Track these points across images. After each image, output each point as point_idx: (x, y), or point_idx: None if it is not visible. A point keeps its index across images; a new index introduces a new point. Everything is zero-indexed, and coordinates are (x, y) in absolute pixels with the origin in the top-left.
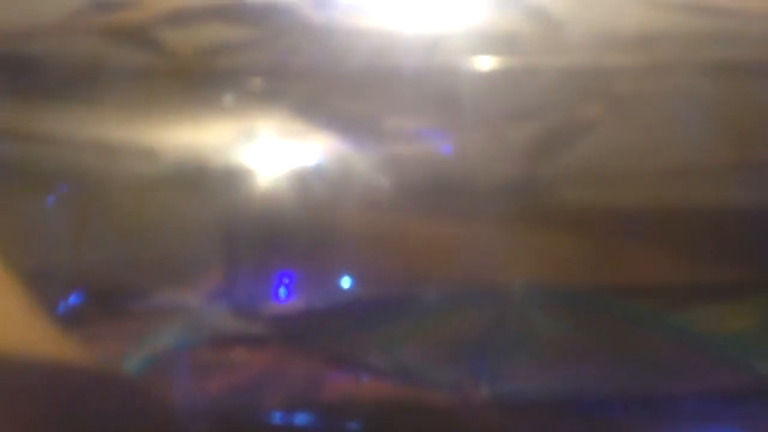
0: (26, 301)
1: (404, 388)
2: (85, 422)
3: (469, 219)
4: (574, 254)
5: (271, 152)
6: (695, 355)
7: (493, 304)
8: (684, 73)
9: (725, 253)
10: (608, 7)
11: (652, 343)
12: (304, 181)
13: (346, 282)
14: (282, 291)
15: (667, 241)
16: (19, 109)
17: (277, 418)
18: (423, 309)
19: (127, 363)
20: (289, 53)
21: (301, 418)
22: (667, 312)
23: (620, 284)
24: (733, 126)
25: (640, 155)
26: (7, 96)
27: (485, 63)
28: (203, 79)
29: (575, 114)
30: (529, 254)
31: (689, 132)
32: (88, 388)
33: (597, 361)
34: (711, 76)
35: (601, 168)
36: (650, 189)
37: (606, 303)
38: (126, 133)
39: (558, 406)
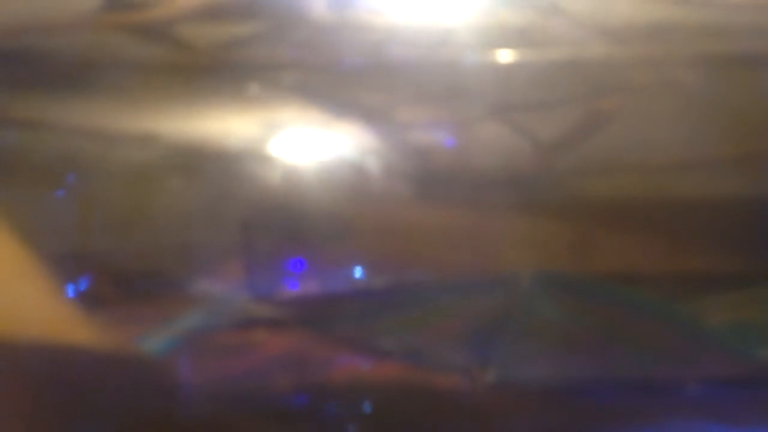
0: (49, 286)
1: (415, 372)
2: (105, 404)
3: (480, 208)
4: (581, 243)
5: (290, 142)
6: (700, 345)
7: (501, 292)
8: (696, 65)
9: (734, 243)
10: (618, 1)
11: (659, 332)
12: (321, 170)
13: (360, 269)
14: (298, 277)
15: (674, 231)
16: (48, 101)
17: (291, 400)
18: (433, 296)
19: (148, 345)
20: (305, 46)
21: (315, 400)
22: (674, 302)
23: (626, 273)
24: (741, 118)
25: (649, 147)
26: (36, 89)
27: (499, 56)
28: (222, 71)
29: (586, 106)
30: (538, 243)
31: (696, 124)
32: (110, 370)
33: (603, 348)
34: (723, 67)
35: (610, 159)
36: (658, 180)
37: (611, 291)
38: (151, 124)
39: (562, 393)
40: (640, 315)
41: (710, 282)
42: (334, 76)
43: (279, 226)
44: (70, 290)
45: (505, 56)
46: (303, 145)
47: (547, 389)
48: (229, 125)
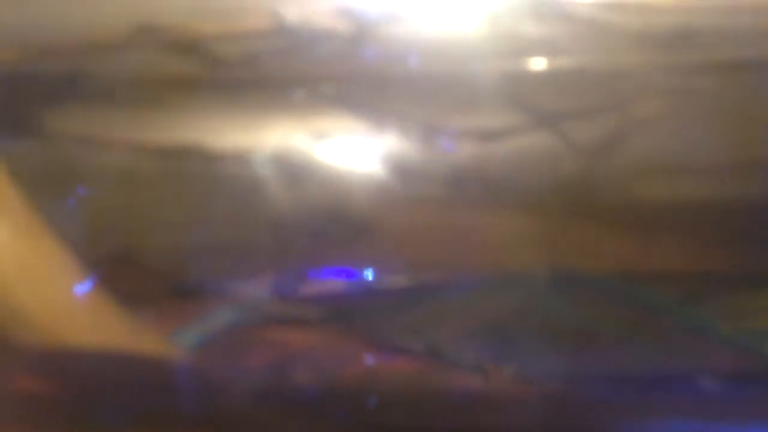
0: (79, 285)
1: (432, 369)
2: (132, 400)
3: (502, 210)
4: (603, 244)
5: (318, 148)
6: (716, 344)
7: (519, 291)
8: (725, 71)
9: (759, 245)
10: (644, 6)
11: (675, 332)
12: (348, 174)
13: (382, 269)
14: (320, 278)
15: (698, 232)
16: (91, 117)
17: (311, 395)
18: (453, 294)
19: (179, 342)
20: (333, 59)
21: (333, 395)
22: (693, 302)
23: (647, 274)
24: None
25: (674, 151)
26: (80, 105)
27: (528, 64)
28: (253, 85)
29: (614, 112)
30: (556, 243)
31: (723, 129)
32: (135, 367)
33: (618, 346)
34: (751, 72)
35: (634, 163)
36: (684, 183)
37: (633, 292)
38: (189, 135)
39: (576, 390)
40: (657, 314)
41: (733, 283)
42: (359, 86)
43: (302, 230)
44: (99, 290)
45: (530, 64)
46: (330, 150)
47: (561, 386)
48: (261, 134)
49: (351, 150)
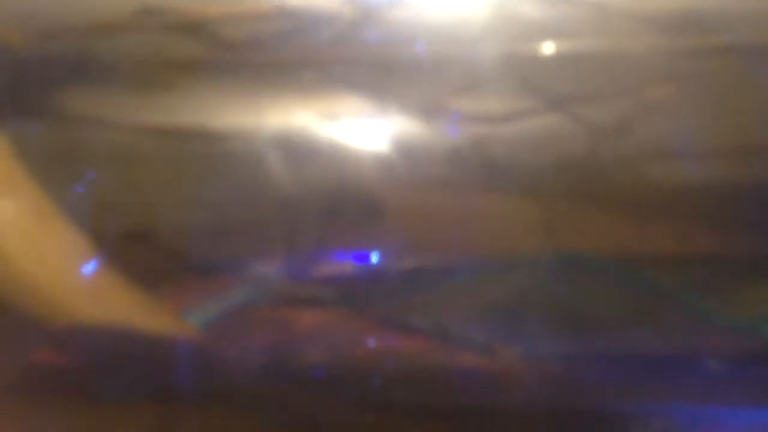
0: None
1: (440, 348)
2: (144, 376)
3: (509, 193)
4: (607, 227)
5: (330, 130)
6: (719, 328)
7: (525, 272)
8: (731, 55)
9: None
10: None
11: (678, 315)
12: (359, 156)
13: (389, 252)
14: (329, 259)
15: (702, 217)
16: (99, 99)
17: (319, 372)
18: (459, 276)
19: (190, 319)
20: (337, 41)
21: (343, 372)
22: (696, 286)
23: (651, 257)
24: None
25: (681, 134)
26: (85, 87)
27: (541, 47)
28: (261, 67)
29: (625, 97)
30: (562, 227)
31: (720, 114)
32: (147, 344)
33: (622, 329)
34: (758, 56)
35: (644, 148)
36: (690, 167)
37: (636, 275)
38: (202, 117)
39: (580, 370)
40: (660, 298)
41: (738, 267)
42: (364, 69)
43: (317, 209)
44: (111, 267)
45: (535, 47)
46: (335, 132)
47: (565, 366)
48: (266, 115)
49: (356, 132)
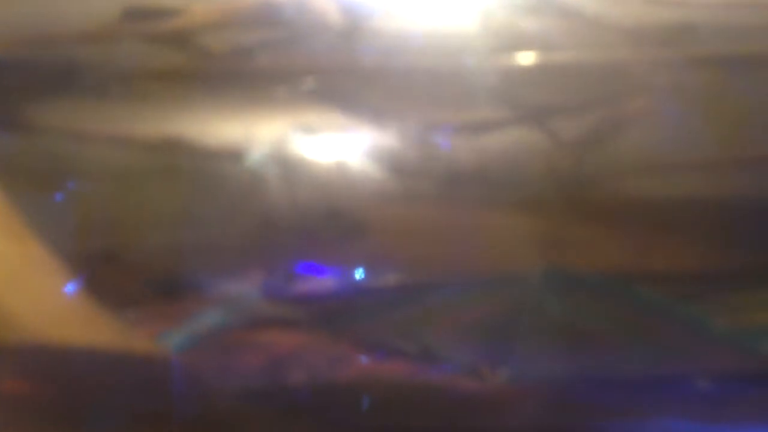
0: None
1: (425, 370)
2: (118, 401)
3: (494, 207)
4: (598, 241)
5: (308, 145)
6: (713, 343)
7: (514, 291)
8: (714, 66)
9: (755, 243)
10: (638, 1)
11: (670, 330)
12: (338, 171)
13: (374, 268)
14: (312, 278)
15: (692, 230)
16: (72, 109)
17: (303, 395)
18: (446, 294)
19: (168, 342)
20: (326, 52)
21: (326, 397)
22: (689, 300)
23: (641, 272)
24: (759, 119)
25: (666, 148)
26: (61, 97)
27: (522, 59)
28: (241, 78)
29: (604, 108)
30: (550, 242)
31: (712, 126)
32: (123, 368)
33: (616, 347)
34: (744, 68)
35: (627, 160)
36: (680, 179)
37: (627, 290)
38: (175, 129)
39: (572, 390)
40: (654, 313)
41: (727, 281)
42: (353, 81)
43: (294, 228)
44: (86, 290)
45: (524, 59)
46: (320, 147)
47: (557, 387)
48: (250, 129)
49: (343, 145)
